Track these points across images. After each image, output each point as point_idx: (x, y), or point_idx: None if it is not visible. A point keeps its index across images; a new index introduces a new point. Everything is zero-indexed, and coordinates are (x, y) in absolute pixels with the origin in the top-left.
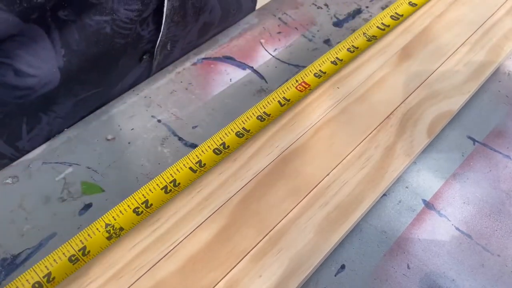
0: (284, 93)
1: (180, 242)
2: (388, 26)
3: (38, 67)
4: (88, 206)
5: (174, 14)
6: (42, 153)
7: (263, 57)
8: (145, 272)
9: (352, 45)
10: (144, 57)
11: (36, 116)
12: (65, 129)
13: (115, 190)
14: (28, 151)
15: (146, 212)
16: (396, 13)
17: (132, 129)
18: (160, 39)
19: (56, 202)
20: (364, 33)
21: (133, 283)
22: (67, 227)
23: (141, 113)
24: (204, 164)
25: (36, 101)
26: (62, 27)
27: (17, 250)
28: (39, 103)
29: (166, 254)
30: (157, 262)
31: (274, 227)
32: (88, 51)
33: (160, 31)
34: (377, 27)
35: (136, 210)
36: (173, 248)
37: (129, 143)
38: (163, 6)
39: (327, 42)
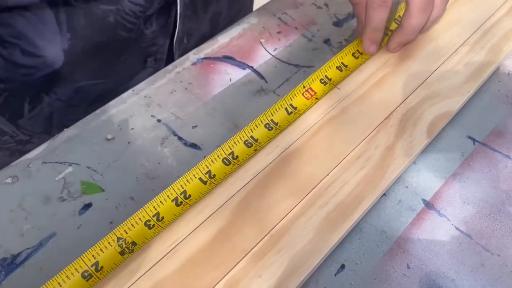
0: (291, 100)
1: (180, 242)
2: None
3: (44, 48)
4: (88, 206)
5: (187, 9)
6: (42, 153)
7: (263, 57)
8: (145, 272)
9: (357, 50)
10: (149, 59)
11: (38, 96)
12: (65, 129)
13: (115, 190)
14: (28, 130)
15: (158, 226)
16: (399, 16)
17: (132, 129)
18: (177, 35)
19: (56, 202)
20: None
21: (133, 283)
22: (67, 227)
23: (141, 113)
24: (214, 175)
25: (40, 80)
26: (70, 11)
27: (17, 250)
28: (42, 82)
29: (166, 254)
30: (157, 262)
31: (274, 227)
32: (92, 38)
33: (169, 29)
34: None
35: (148, 223)
36: (173, 248)
37: (129, 143)
38: (172, 8)
39: (327, 42)
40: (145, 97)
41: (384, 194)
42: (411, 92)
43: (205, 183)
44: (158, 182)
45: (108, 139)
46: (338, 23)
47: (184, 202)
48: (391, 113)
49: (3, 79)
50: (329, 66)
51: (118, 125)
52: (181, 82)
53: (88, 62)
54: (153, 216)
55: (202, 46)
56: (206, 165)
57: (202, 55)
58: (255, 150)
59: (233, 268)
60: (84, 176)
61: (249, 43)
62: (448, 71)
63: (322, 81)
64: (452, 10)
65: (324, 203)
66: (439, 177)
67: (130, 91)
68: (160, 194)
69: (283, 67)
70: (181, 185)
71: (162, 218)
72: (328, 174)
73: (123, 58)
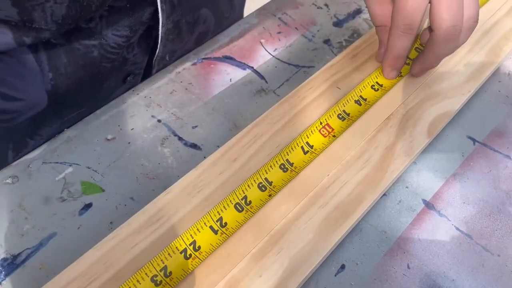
0: (308, 138)
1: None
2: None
3: (25, 91)
4: (88, 206)
5: (169, 35)
6: (42, 153)
7: (263, 57)
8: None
9: (376, 82)
10: (128, 78)
11: (22, 141)
12: (65, 129)
13: (115, 190)
14: None
15: (165, 283)
16: (421, 44)
17: (132, 129)
18: (157, 55)
19: (56, 202)
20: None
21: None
22: (67, 227)
23: (141, 113)
24: (226, 224)
25: (23, 125)
26: (51, 50)
27: (17, 250)
28: (26, 126)
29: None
30: None
31: (274, 228)
32: (75, 75)
33: (148, 52)
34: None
35: (154, 279)
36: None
37: (129, 143)
38: (153, 30)
39: (327, 42)
40: (145, 97)
41: (384, 194)
42: (411, 92)
43: (216, 232)
44: (158, 182)
45: (108, 139)
46: (338, 23)
47: (194, 255)
48: (391, 113)
49: None
50: (347, 101)
51: (118, 125)
52: (181, 82)
53: (72, 97)
54: (160, 270)
55: (202, 46)
56: (218, 212)
57: (202, 55)
58: (269, 195)
59: (233, 268)
60: (84, 176)
61: (249, 43)
62: (448, 71)
63: (340, 116)
64: None
65: (324, 203)
66: (439, 177)
67: (130, 91)
68: (168, 246)
69: (283, 67)
70: (190, 235)
71: (170, 273)
72: (328, 175)
73: (106, 84)
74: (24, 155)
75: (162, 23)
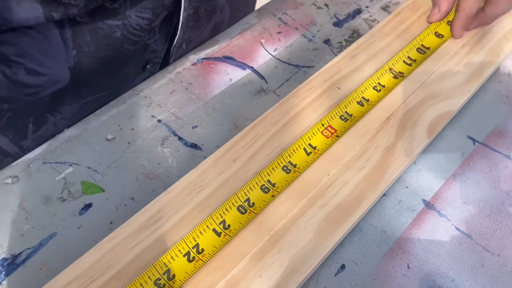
0: (310, 139)
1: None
2: (415, 60)
3: (49, 66)
4: (88, 206)
5: (189, 20)
6: (42, 153)
7: (263, 57)
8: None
9: (378, 83)
10: (148, 66)
11: (43, 116)
12: (65, 129)
13: (115, 190)
14: (30, 151)
15: (168, 285)
16: (422, 45)
17: (132, 129)
18: (176, 42)
19: (56, 202)
20: (390, 69)
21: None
22: (67, 227)
23: (141, 113)
24: (229, 226)
25: (45, 100)
26: (76, 28)
27: (17, 250)
28: (47, 102)
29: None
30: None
31: (274, 228)
32: (98, 54)
33: (168, 39)
34: (403, 61)
35: (157, 282)
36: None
37: (129, 143)
38: (174, 16)
39: (327, 42)
40: (145, 97)
41: (384, 194)
42: (411, 92)
43: (219, 234)
44: (158, 182)
45: (108, 139)
46: (338, 23)
47: (197, 257)
48: (391, 113)
49: (6, 99)
50: (349, 102)
51: (118, 125)
52: (181, 82)
53: (94, 77)
54: (164, 274)
55: (202, 46)
56: (220, 214)
57: (202, 55)
58: (272, 196)
59: (233, 268)
60: (84, 176)
61: (249, 43)
62: (448, 71)
63: (343, 117)
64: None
65: (324, 203)
66: (439, 177)
67: (130, 91)
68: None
69: (283, 67)
70: (193, 238)
71: (173, 276)
72: (328, 175)
73: (126, 69)
74: (43, 131)
75: (184, 7)
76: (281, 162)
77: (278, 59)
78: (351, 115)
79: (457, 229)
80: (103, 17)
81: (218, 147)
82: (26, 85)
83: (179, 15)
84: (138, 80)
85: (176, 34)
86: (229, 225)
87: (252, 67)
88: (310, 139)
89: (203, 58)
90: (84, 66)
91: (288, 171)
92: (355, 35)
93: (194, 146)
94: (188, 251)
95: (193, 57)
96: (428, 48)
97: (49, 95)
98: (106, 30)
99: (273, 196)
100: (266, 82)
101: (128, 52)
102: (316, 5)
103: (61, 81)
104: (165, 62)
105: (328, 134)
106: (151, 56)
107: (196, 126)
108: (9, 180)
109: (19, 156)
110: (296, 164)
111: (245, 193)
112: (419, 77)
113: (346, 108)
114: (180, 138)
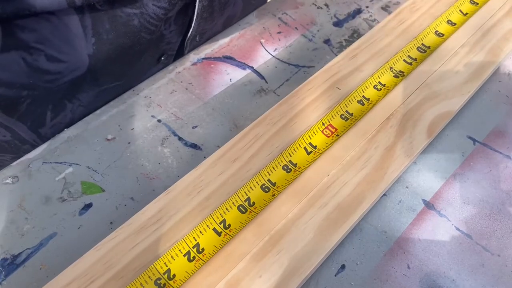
0: (310, 138)
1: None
2: (416, 59)
3: (68, 53)
4: (88, 206)
5: (204, 12)
6: (42, 153)
7: (263, 57)
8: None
9: (379, 82)
10: (162, 58)
11: (61, 103)
12: (65, 129)
13: (115, 190)
14: (49, 139)
15: (168, 285)
16: (422, 44)
17: (132, 129)
18: (190, 33)
19: (56, 202)
20: (390, 68)
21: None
22: (67, 227)
23: (141, 113)
24: (229, 225)
25: (63, 87)
26: (95, 16)
27: (17, 250)
28: (66, 89)
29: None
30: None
31: (274, 228)
32: (116, 42)
33: (183, 31)
34: (404, 60)
35: (158, 281)
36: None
37: (129, 143)
38: (189, 8)
39: (327, 42)
40: (145, 97)
41: (385, 195)
42: (411, 92)
43: (219, 234)
44: (158, 182)
45: (108, 139)
46: (338, 23)
47: (197, 257)
48: (391, 113)
49: (26, 86)
50: (350, 101)
51: (118, 125)
52: (181, 82)
53: (111, 65)
54: (164, 273)
55: (202, 46)
56: (220, 214)
57: (202, 55)
58: (272, 195)
59: (233, 268)
60: (84, 176)
61: (249, 43)
62: (448, 71)
63: (343, 116)
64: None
65: (324, 203)
66: (439, 177)
67: (130, 91)
68: (171, 249)
69: (283, 67)
70: (193, 238)
71: (174, 276)
72: (328, 175)
73: (143, 58)
74: (61, 118)
75: None
76: (282, 161)
77: (278, 59)
78: (351, 114)
79: (457, 229)
80: (121, 5)
81: (218, 147)
82: (46, 72)
83: (195, 6)
84: (153, 71)
85: (191, 26)
86: (229, 225)
87: (252, 67)
88: (310, 138)
89: (203, 58)
90: (102, 53)
91: (288, 170)
92: (355, 35)
93: (194, 146)
94: (189, 251)
95: (193, 57)
96: (429, 47)
97: (68, 82)
98: (125, 18)
99: (273, 195)
100: (266, 82)
101: (145, 41)
102: (316, 5)
103: (80, 68)
104: (178, 54)
105: (329, 133)
106: (166, 48)
107: (196, 126)
108: (9, 180)
109: (37, 144)
110: (296, 163)
111: (245, 192)
112: (419, 76)
113: (347, 107)
114: (180, 138)
